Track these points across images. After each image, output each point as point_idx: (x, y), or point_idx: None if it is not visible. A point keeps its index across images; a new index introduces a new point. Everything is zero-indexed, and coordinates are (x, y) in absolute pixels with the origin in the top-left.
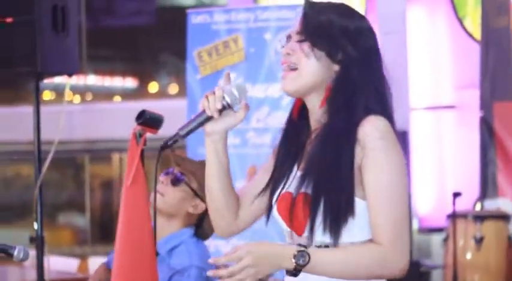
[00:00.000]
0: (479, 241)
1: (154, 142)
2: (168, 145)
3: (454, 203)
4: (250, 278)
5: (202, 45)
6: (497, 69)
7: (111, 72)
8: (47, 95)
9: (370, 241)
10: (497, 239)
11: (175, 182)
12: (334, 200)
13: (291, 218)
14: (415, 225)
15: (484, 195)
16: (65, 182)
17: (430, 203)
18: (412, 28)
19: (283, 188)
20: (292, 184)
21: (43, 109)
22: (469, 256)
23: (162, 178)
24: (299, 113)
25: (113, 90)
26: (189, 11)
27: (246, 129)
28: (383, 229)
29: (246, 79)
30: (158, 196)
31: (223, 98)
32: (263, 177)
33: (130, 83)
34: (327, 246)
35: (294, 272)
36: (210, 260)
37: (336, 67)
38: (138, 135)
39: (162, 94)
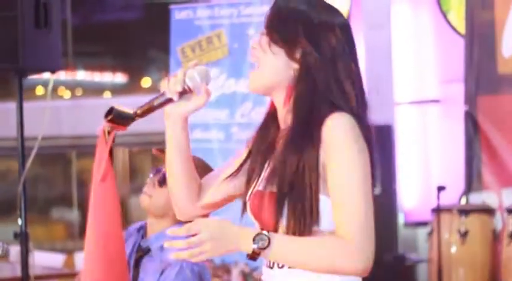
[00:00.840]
0: (463, 234)
1: (143, 136)
2: (122, 123)
3: (438, 197)
4: (207, 254)
5: (186, 41)
6: (481, 63)
7: (101, 68)
8: (39, 91)
9: (333, 233)
10: (482, 233)
11: (162, 182)
12: (299, 200)
13: (260, 216)
14: (401, 219)
15: (469, 189)
16: (56, 178)
17: (415, 197)
18: (397, 22)
19: (255, 185)
20: (262, 182)
21: (35, 104)
22: (453, 249)
23: (150, 178)
24: (274, 110)
25: (103, 85)
26: (172, 6)
27: (230, 124)
28: (343, 224)
29: (229, 75)
30: (146, 197)
31: (184, 81)
32: (232, 166)
33: (120, 78)
34: None
35: (253, 255)
36: (169, 232)
37: (296, 65)
38: (107, 133)
39: (152, 89)
